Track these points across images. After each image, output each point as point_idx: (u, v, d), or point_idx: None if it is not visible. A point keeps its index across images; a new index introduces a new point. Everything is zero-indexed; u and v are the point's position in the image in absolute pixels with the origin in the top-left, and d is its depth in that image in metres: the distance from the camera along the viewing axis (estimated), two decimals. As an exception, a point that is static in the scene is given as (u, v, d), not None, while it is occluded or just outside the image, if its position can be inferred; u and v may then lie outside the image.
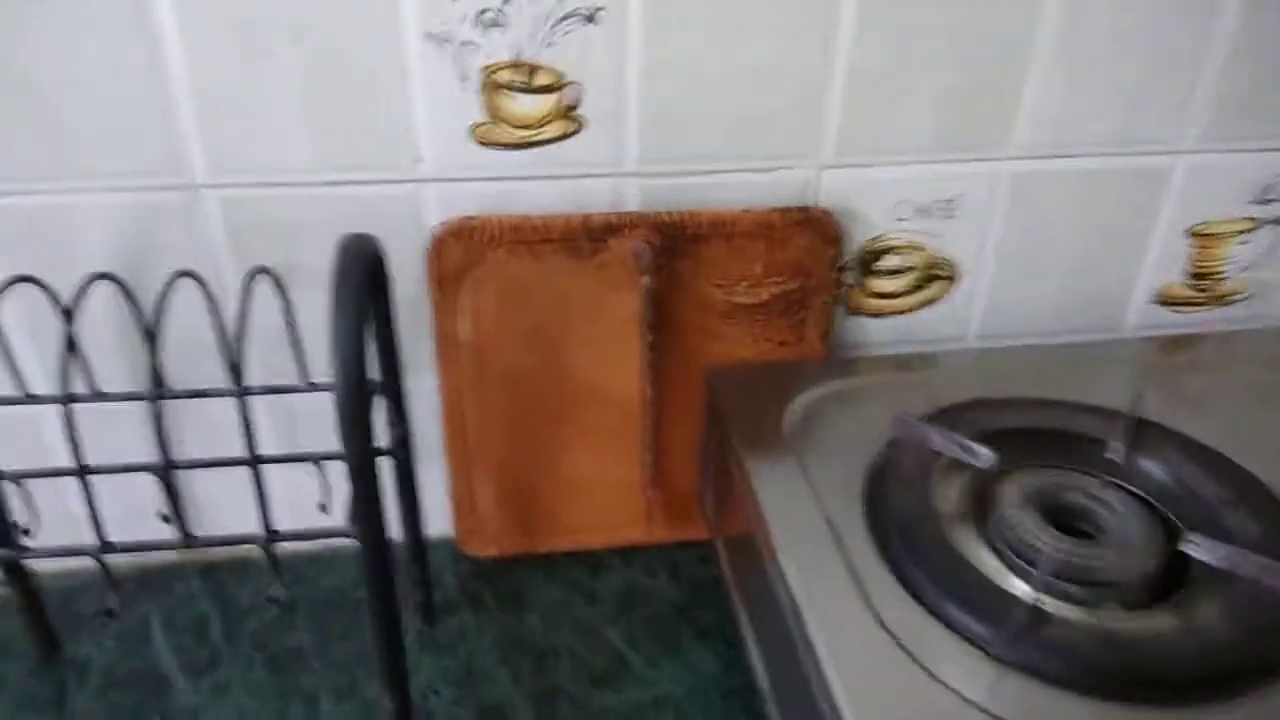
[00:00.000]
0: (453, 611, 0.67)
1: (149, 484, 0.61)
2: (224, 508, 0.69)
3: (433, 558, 0.66)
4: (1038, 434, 0.57)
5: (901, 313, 0.67)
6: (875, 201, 0.62)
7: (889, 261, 0.65)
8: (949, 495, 0.53)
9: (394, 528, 0.70)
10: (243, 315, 0.47)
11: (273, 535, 0.48)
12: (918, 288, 0.66)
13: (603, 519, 0.70)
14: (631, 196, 0.60)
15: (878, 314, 0.67)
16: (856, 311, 0.67)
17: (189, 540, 0.48)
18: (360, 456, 0.43)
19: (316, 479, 0.55)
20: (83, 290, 0.47)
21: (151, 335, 0.50)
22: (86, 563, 0.67)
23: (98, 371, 0.53)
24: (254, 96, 0.53)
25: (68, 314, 0.50)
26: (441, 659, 0.63)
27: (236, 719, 0.59)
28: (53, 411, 0.61)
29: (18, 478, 0.51)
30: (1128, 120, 0.61)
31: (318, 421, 0.64)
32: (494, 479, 0.67)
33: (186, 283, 0.52)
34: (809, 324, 0.65)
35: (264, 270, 0.49)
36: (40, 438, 0.63)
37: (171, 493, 0.50)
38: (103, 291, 0.52)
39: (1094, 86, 0.60)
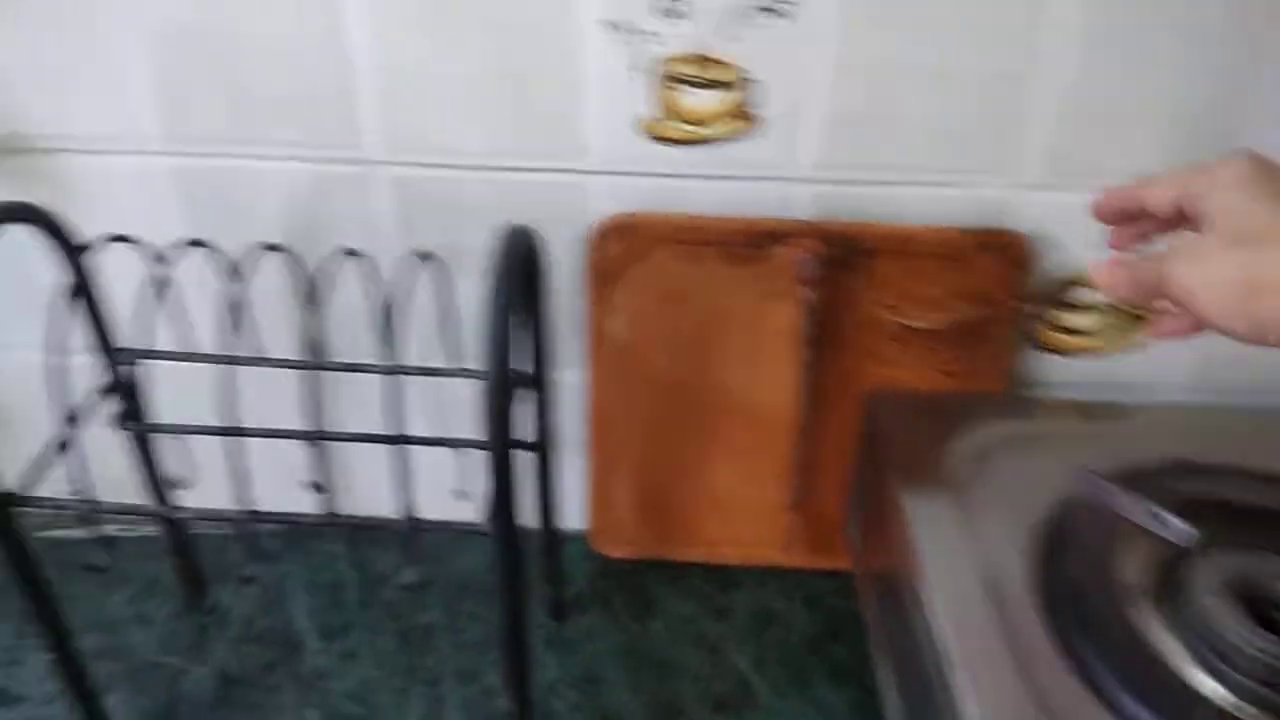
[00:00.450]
0: (581, 610, 0.65)
1: (299, 448, 0.63)
2: (368, 477, 0.70)
3: (565, 551, 0.65)
4: (1244, 510, 0.50)
5: (1095, 352, 0.61)
6: (1079, 229, 0.56)
7: (1087, 295, 0.58)
8: (1133, 569, 0.47)
9: (529, 518, 0.70)
10: (400, 295, 0.46)
11: (412, 523, 0.47)
12: (1117, 327, 0.59)
13: (739, 535, 0.67)
14: (804, 203, 0.56)
15: (1068, 351, 0.61)
16: (1044, 347, 0.61)
17: (333, 517, 0.48)
18: (501, 451, 0.42)
19: (458, 462, 0.55)
20: (252, 258, 0.47)
21: (312, 306, 0.50)
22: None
23: (262, 336, 0.54)
24: (434, 77, 0.52)
25: (236, 277, 0.50)
26: (565, 658, 0.62)
27: (361, 688, 0.60)
28: (216, 371, 0.64)
29: (174, 432, 0.53)
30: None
31: (466, 406, 0.63)
32: (633, 480, 0.66)
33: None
34: (986, 356, 0.60)
35: (427, 256, 0.48)
36: (203, 395, 0.65)
37: (320, 463, 0.51)
38: (272, 257, 0.53)
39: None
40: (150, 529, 0.70)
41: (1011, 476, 0.53)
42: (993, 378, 0.61)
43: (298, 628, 0.64)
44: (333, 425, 0.67)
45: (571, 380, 0.62)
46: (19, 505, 0.47)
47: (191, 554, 0.65)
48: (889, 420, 0.57)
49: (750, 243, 0.56)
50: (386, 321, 0.51)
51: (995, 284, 0.57)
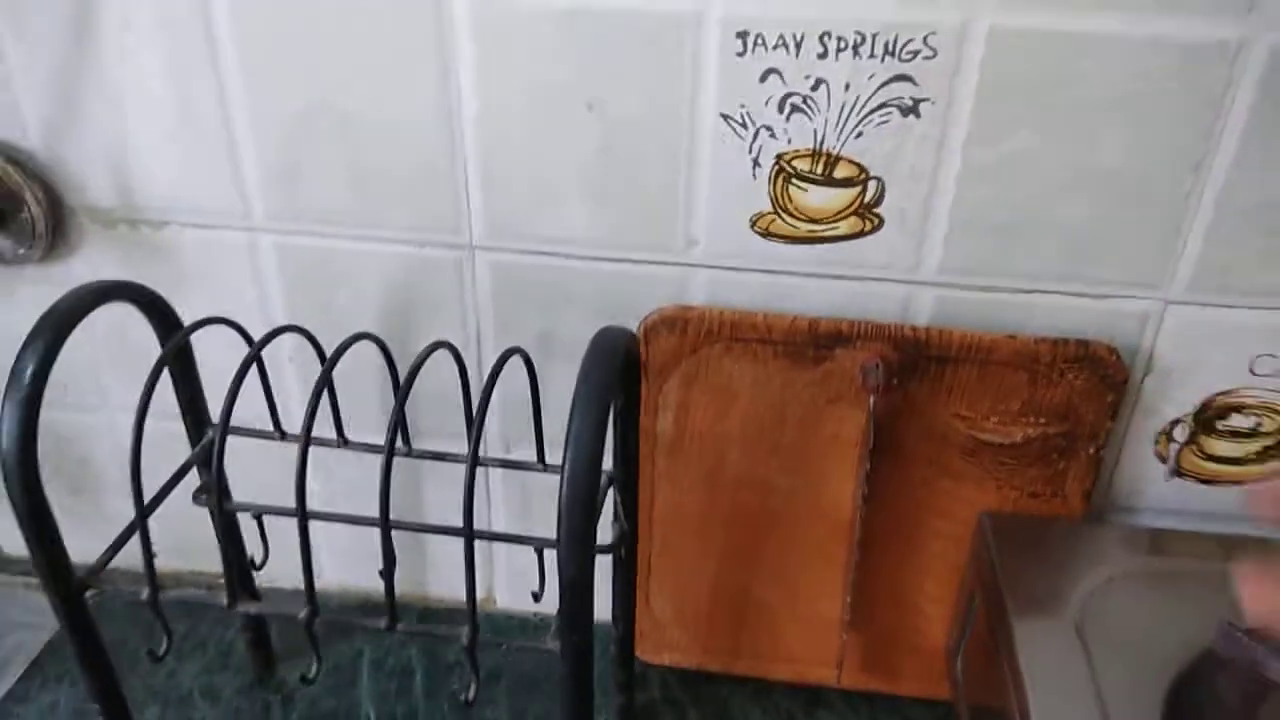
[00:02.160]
0: (656, 715, 0.62)
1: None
2: (447, 565, 0.68)
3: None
4: None
5: (1238, 482, 0.55)
6: (1231, 349, 0.51)
7: (1236, 421, 0.53)
8: (1282, 741, 0.42)
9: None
10: (489, 389, 0.44)
11: (475, 634, 0.45)
12: (1265, 457, 0.54)
13: (789, 651, 0.63)
14: (925, 308, 0.52)
15: (1210, 480, 0.55)
16: (1184, 474, 0.56)
17: (392, 621, 0.46)
18: (579, 566, 0.39)
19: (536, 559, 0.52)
20: (345, 346, 0.46)
21: (401, 394, 0.49)
22: (317, 583, 0.69)
23: (351, 418, 0.53)
24: (540, 162, 0.51)
25: (326, 362, 0.50)
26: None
27: (423, 785, 0.57)
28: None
29: (247, 510, 0.52)
30: None
31: (551, 499, 0.61)
32: (673, 584, 0.62)
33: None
34: (1070, 476, 0.55)
35: (517, 351, 0.46)
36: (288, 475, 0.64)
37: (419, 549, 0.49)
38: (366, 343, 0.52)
39: None
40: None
41: (1143, 621, 0.48)
42: (1077, 501, 0.55)
43: (362, 713, 0.62)
44: (417, 507, 0.65)
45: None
46: (86, 589, 0.46)
47: (265, 629, 0.64)
48: (1006, 546, 0.52)
49: (812, 344, 0.53)
50: (472, 410, 0.49)
51: (1083, 400, 0.52)
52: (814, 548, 0.59)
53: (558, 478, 0.38)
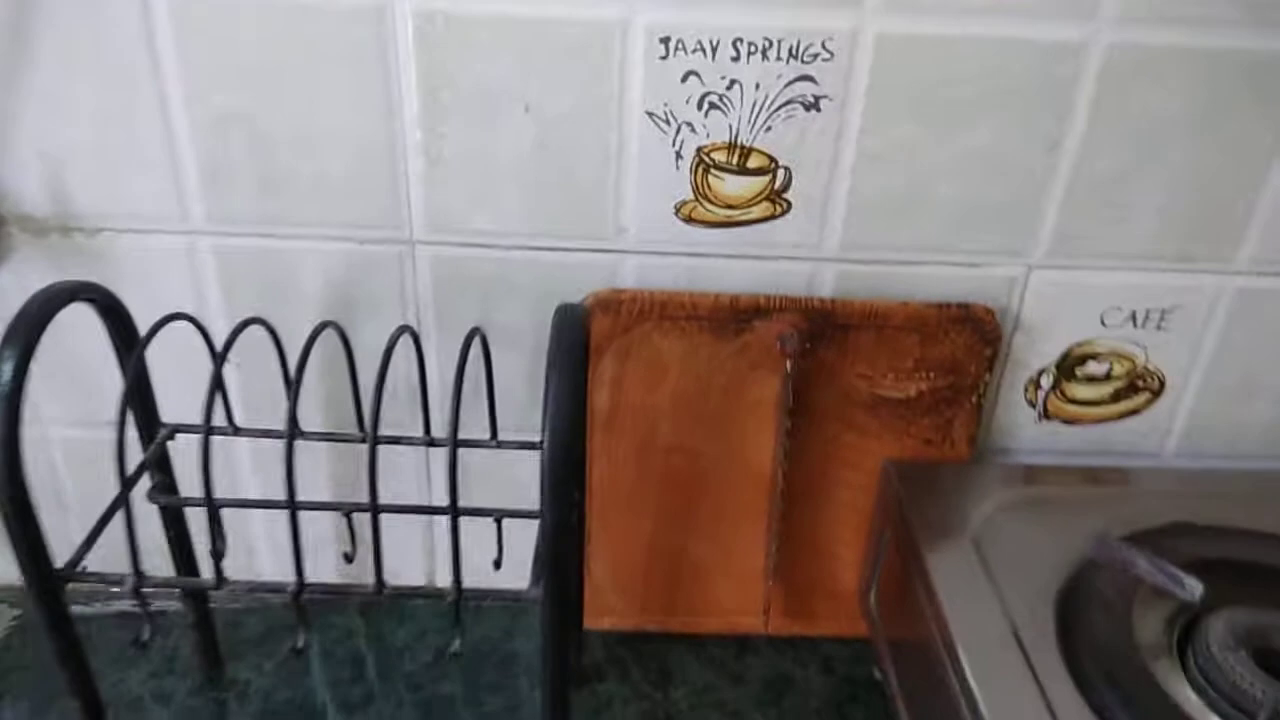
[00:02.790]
0: (599, 678, 0.66)
1: (326, 521, 0.64)
2: (393, 550, 0.70)
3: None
4: (1248, 568, 0.53)
5: (1097, 422, 0.64)
6: (1085, 306, 0.60)
7: (1091, 368, 0.62)
8: (1151, 626, 0.50)
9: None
10: (460, 370, 0.48)
11: (461, 592, 0.48)
12: (1118, 398, 0.63)
13: (719, 605, 0.68)
14: (828, 281, 0.59)
15: (1073, 421, 0.64)
16: (1050, 417, 0.64)
17: (380, 587, 0.48)
18: (559, 520, 0.44)
19: (490, 534, 0.56)
20: (314, 336, 0.48)
21: (377, 382, 0.51)
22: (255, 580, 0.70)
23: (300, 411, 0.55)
24: (480, 159, 0.55)
25: (282, 356, 0.52)
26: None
27: (388, 762, 0.60)
28: (249, 445, 0.65)
29: (201, 505, 0.53)
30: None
31: (489, 480, 0.65)
32: (611, 552, 0.66)
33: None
34: (957, 424, 0.63)
35: (478, 333, 0.50)
36: (238, 469, 0.66)
37: (364, 533, 0.52)
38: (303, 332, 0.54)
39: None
40: (169, 603, 0.69)
41: (1030, 540, 0.56)
42: (963, 446, 0.63)
43: (318, 700, 0.64)
44: (358, 498, 0.68)
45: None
46: (68, 581, 0.47)
47: (212, 630, 0.65)
48: (910, 489, 0.59)
49: (733, 318, 0.59)
50: (427, 394, 0.52)
51: (965, 355, 0.60)
52: (739, 506, 0.65)
53: (499, 457, 0.41)
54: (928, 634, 0.52)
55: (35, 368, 0.61)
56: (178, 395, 0.54)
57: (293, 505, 0.46)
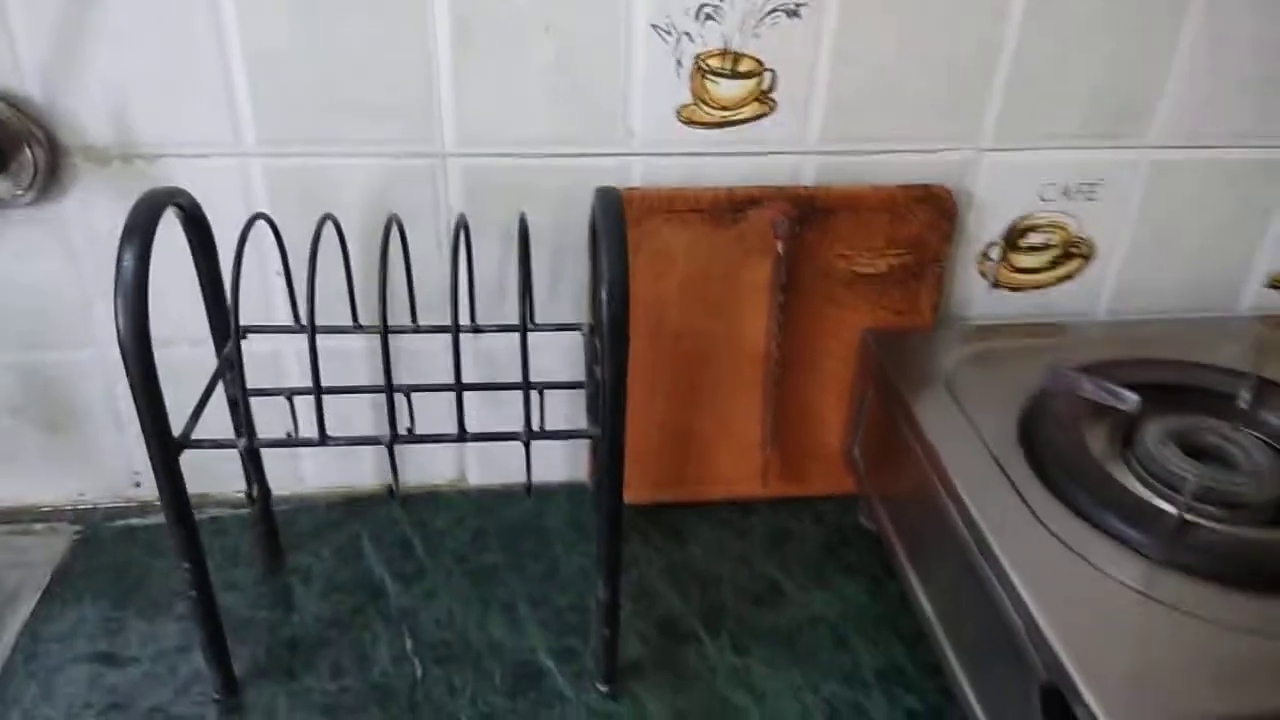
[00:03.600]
0: (624, 542, 0.74)
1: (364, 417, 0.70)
2: (421, 453, 0.78)
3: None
4: (1172, 388, 0.64)
5: (1039, 287, 0.75)
6: (1025, 183, 0.70)
7: (1032, 239, 0.72)
8: (1098, 434, 0.60)
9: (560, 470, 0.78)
10: (458, 260, 0.54)
11: (531, 434, 0.55)
12: (1055, 264, 0.74)
13: (723, 474, 0.77)
14: (811, 172, 0.68)
15: (1018, 288, 0.75)
16: (1000, 285, 0.74)
17: (462, 433, 0.55)
18: (619, 366, 0.51)
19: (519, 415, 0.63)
20: (387, 233, 0.55)
21: (410, 277, 0.59)
22: (302, 489, 0.77)
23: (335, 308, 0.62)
24: (505, 77, 0.62)
25: (345, 254, 0.59)
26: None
27: (446, 617, 0.67)
28: (289, 345, 0.71)
29: (277, 394, 0.60)
30: (1257, 115, 0.69)
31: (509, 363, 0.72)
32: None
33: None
34: (922, 295, 0.72)
35: (523, 222, 0.57)
36: (278, 367, 0.72)
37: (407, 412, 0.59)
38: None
39: (1230, 82, 0.68)
40: (219, 511, 0.76)
41: (993, 382, 0.66)
42: (928, 314, 0.73)
43: (376, 577, 0.71)
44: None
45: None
46: (184, 448, 0.53)
47: (273, 521, 0.71)
48: (888, 353, 0.69)
49: (730, 208, 0.67)
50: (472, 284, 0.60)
51: (928, 232, 0.70)
52: (737, 382, 0.74)
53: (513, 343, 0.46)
54: (917, 466, 0.62)
55: (95, 289, 0.67)
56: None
57: (319, 390, 0.53)
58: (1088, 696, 0.43)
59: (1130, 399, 0.60)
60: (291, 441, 0.56)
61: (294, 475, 0.77)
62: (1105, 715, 0.42)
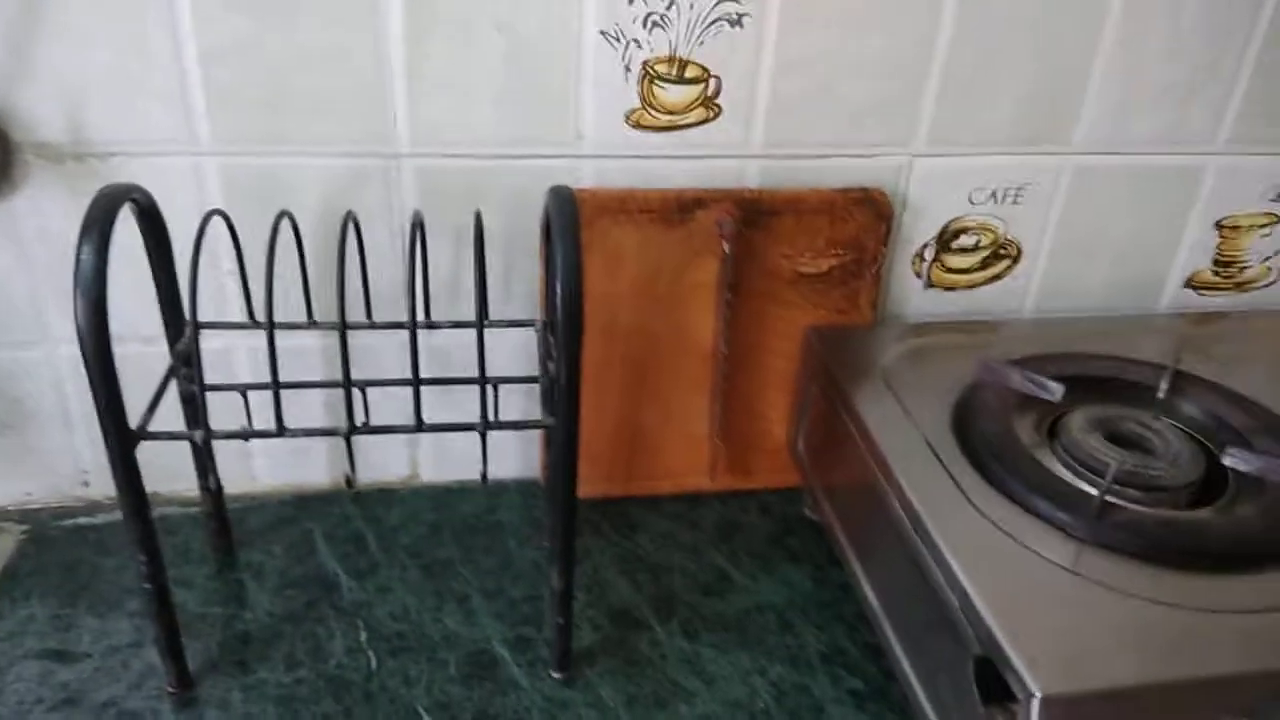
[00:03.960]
0: (576, 534, 0.76)
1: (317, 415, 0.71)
2: (375, 450, 0.78)
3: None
4: (1094, 380, 0.68)
5: (970, 287, 0.78)
6: (956, 187, 0.73)
7: (963, 241, 0.76)
8: (1026, 424, 0.64)
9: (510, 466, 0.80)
10: (415, 257, 0.56)
11: (488, 424, 0.57)
12: (985, 265, 0.77)
13: (671, 468, 0.79)
14: (754, 174, 0.70)
15: (950, 287, 0.78)
16: (933, 285, 0.78)
17: (419, 423, 0.56)
18: (573, 359, 0.53)
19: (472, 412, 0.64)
20: (344, 229, 0.56)
21: (365, 275, 0.60)
22: (254, 488, 0.78)
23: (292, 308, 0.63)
24: (458, 79, 0.64)
25: (300, 251, 0.60)
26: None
27: (401, 611, 0.68)
28: (242, 342, 0.71)
29: (230, 390, 0.60)
30: (1172, 122, 0.73)
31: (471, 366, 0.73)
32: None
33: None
34: (861, 294, 0.75)
35: (479, 219, 0.58)
36: (230, 365, 0.72)
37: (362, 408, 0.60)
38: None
39: (1146, 88, 0.72)
40: (169, 509, 0.76)
41: (928, 376, 0.69)
42: (867, 311, 0.76)
43: (330, 571, 0.72)
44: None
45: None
46: (141, 440, 0.54)
47: (226, 518, 0.72)
48: (830, 349, 0.72)
49: (678, 210, 0.70)
50: (428, 283, 0.61)
51: (865, 233, 0.73)
52: (686, 379, 0.76)
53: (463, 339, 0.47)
54: (857, 456, 0.64)
55: (46, 288, 0.67)
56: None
57: (276, 386, 0.54)
58: (1018, 665, 0.46)
59: (1056, 390, 0.63)
60: (249, 433, 0.56)
61: (246, 473, 0.78)
62: (1033, 681, 0.45)
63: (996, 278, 0.78)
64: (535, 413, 0.65)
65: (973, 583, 0.51)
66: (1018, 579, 0.52)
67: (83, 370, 0.49)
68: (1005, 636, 0.47)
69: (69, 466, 0.75)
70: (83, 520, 0.75)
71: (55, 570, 0.71)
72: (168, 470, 0.70)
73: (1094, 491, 0.56)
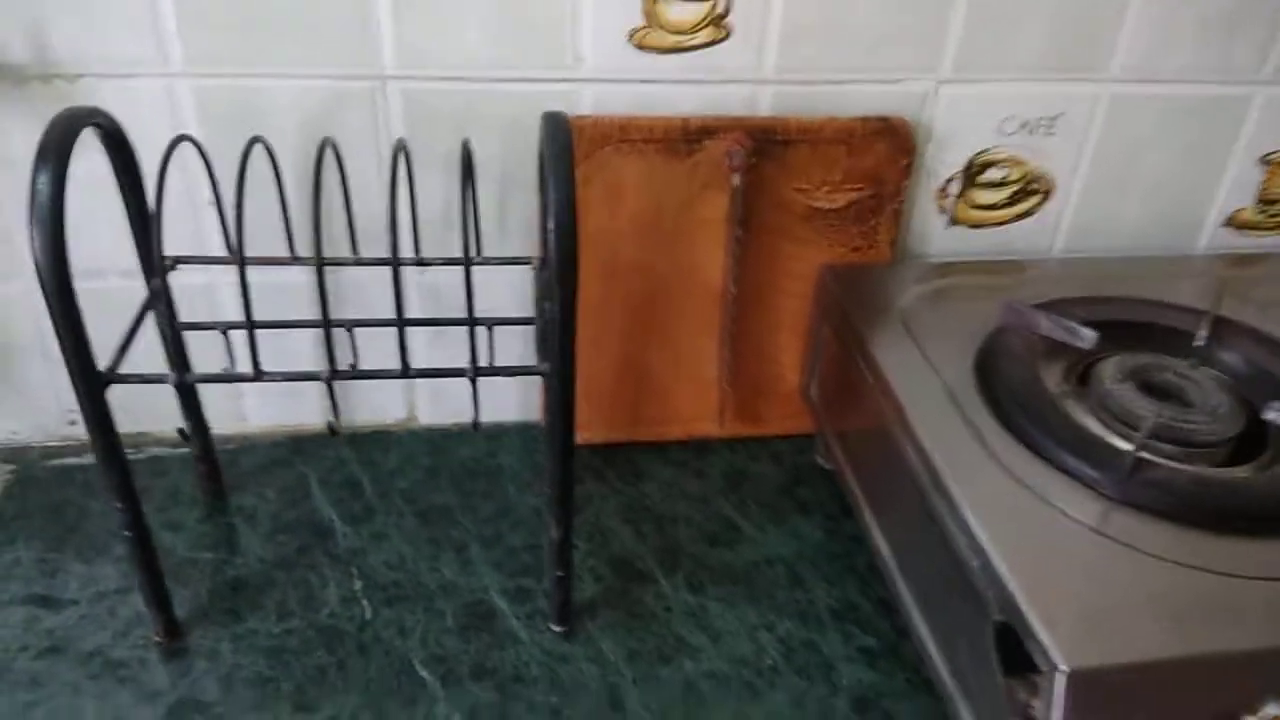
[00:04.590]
0: (578, 481, 0.73)
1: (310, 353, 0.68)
2: (374, 391, 0.75)
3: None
4: (1129, 325, 0.63)
5: (997, 224, 0.74)
6: (985, 116, 0.68)
7: (991, 175, 0.71)
8: (1054, 372, 0.60)
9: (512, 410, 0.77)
10: (397, 188, 0.52)
11: (478, 370, 0.53)
12: (1014, 201, 0.73)
13: (679, 413, 0.76)
14: (766, 102, 0.66)
15: (977, 225, 0.73)
16: (958, 222, 0.73)
17: (405, 369, 0.52)
18: (568, 301, 0.49)
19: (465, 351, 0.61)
20: (320, 158, 0.52)
21: (348, 207, 0.56)
22: (245, 428, 0.75)
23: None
24: (445, -7, 0.59)
25: (279, 180, 0.56)
26: (574, 519, 0.70)
27: (396, 559, 0.66)
28: (225, 278, 0.68)
29: (211, 329, 0.57)
30: (1216, 51, 0.68)
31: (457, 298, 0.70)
32: (580, 370, 0.72)
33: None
34: (880, 230, 0.71)
35: (465, 145, 0.55)
36: (212, 301, 0.69)
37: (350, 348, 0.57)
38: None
39: (1189, 15, 0.66)
40: (159, 450, 0.73)
41: (949, 319, 0.65)
42: (885, 250, 0.72)
43: (324, 517, 0.69)
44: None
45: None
46: (110, 383, 0.50)
47: (215, 460, 0.69)
48: (845, 289, 0.68)
49: (685, 139, 0.65)
50: (416, 212, 0.57)
51: (886, 166, 0.68)
52: (694, 319, 0.72)
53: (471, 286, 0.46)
54: (873, 404, 0.61)
55: (17, 221, 0.63)
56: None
57: (251, 325, 0.51)
58: (1041, 634, 0.43)
59: (1087, 336, 0.59)
60: (224, 377, 0.53)
61: (236, 414, 0.75)
62: (1058, 652, 0.42)
63: (1025, 214, 0.74)
64: (534, 355, 0.62)
65: (994, 543, 0.48)
66: (1042, 540, 0.48)
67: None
68: (1028, 603, 0.44)
69: (54, 405, 0.73)
70: (70, 460, 0.73)
71: (42, 512, 0.68)
72: (157, 410, 0.68)
73: (1127, 447, 0.53)
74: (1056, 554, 0.48)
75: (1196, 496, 0.50)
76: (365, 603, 0.63)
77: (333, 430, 0.64)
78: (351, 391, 0.75)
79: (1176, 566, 0.47)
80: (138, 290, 0.58)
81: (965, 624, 0.50)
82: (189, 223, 0.65)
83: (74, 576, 0.64)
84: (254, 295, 0.65)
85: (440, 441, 0.77)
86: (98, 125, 0.51)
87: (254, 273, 0.59)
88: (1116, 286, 0.67)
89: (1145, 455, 0.52)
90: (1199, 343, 0.62)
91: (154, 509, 0.69)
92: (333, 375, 0.52)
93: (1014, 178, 0.72)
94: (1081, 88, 0.68)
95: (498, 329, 0.57)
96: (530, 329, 0.63)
